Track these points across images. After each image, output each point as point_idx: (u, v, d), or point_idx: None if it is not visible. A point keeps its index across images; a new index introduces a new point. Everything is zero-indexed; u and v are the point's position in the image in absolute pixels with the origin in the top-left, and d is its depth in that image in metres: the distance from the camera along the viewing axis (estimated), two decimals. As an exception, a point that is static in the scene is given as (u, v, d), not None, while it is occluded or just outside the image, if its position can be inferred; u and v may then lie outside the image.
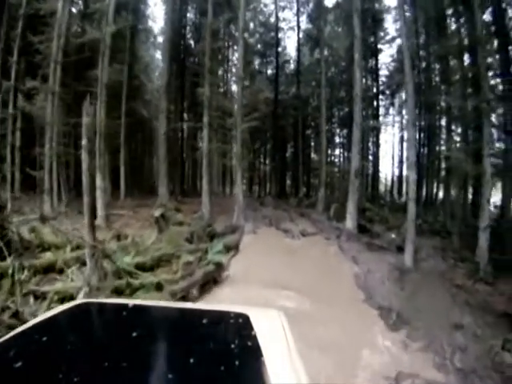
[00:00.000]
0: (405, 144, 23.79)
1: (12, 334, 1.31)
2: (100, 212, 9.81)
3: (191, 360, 1.09)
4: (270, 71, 25.42)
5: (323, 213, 12.76)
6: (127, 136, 16.05)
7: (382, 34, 21.40)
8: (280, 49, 24.79)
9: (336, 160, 25.39)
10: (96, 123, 10.11)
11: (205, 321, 1.42)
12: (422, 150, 18.49)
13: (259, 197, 21.50)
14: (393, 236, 9.41)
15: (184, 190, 18.63)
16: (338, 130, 25.20)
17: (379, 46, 21.18)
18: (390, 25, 21.63)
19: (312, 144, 23.95)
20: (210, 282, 5.28)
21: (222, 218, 10.21)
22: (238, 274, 5.85)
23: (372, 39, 20.19)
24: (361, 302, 5.33)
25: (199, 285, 4.92)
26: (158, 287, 4.62)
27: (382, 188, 25.30)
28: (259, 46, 25.15)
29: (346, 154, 23.89)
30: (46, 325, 1.39)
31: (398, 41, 21.05)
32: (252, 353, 1.14)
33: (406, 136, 23.59)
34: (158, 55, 24.28)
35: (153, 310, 1.71)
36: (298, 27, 22.35)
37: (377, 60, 21.19)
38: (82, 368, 1.08)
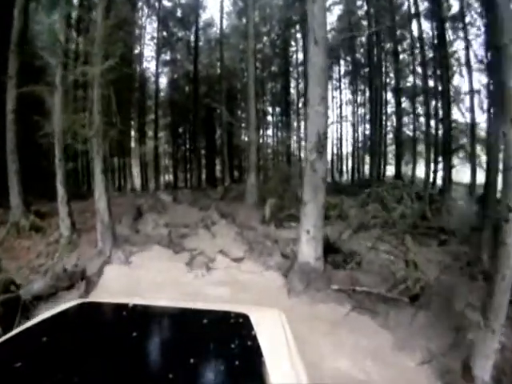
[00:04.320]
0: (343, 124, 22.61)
1: (12, 333, 1.29)
2: None
3: (191, 360, 1.07)
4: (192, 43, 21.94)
5: (253, 208, 9.51)
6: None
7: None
8: (206, 15, 21.49)
9: (269, 141, 22.99)
10: None
11: (205, 321, 1.40)
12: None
13: (185, 187, 18.27)
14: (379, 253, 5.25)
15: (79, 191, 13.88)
16: (270, 109, 22.80)
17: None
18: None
19: (243, 125, 21.17)
20: None
21: (93, 238, 6.08)
22: None
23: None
24: None
25: None
26: None
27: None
28: (179, 11, 21.46)
29: (279, 134, 22.08)
30: (45, 325, 1.38)
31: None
32: (252, 353, 1.13)
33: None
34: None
35: (153, 310, 1.67)
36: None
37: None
38: (81, 368, 1.06)
